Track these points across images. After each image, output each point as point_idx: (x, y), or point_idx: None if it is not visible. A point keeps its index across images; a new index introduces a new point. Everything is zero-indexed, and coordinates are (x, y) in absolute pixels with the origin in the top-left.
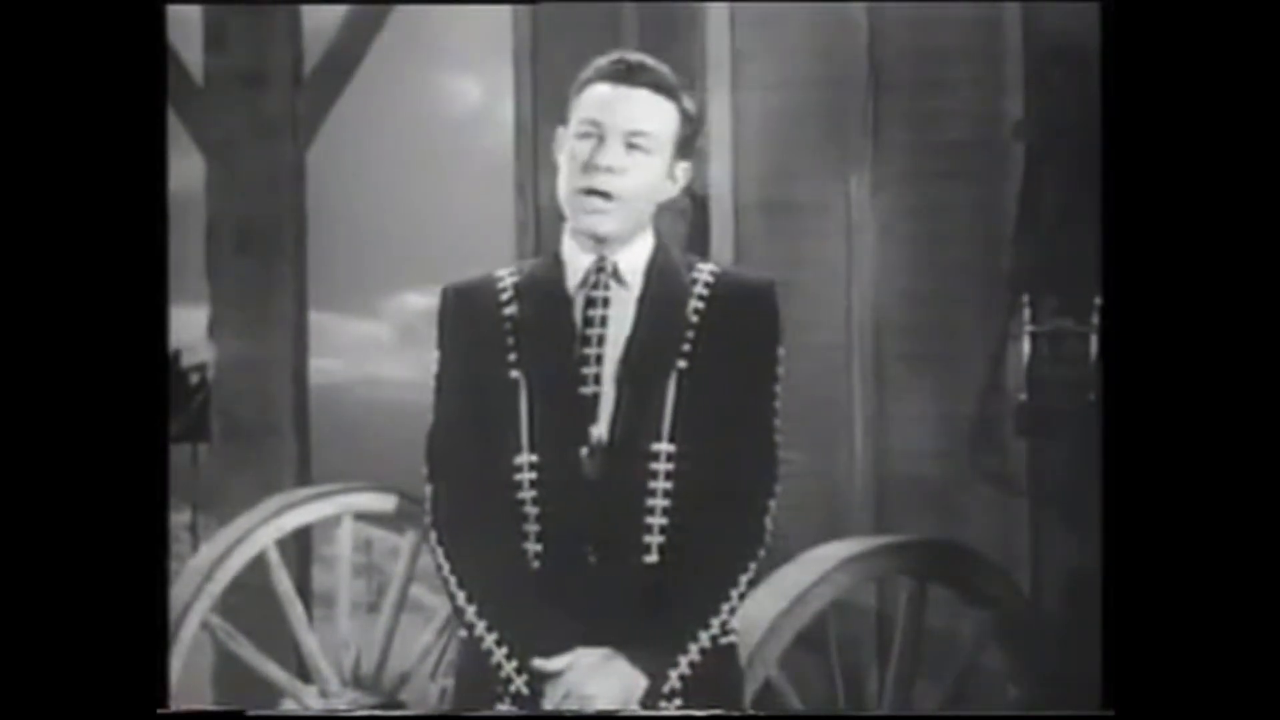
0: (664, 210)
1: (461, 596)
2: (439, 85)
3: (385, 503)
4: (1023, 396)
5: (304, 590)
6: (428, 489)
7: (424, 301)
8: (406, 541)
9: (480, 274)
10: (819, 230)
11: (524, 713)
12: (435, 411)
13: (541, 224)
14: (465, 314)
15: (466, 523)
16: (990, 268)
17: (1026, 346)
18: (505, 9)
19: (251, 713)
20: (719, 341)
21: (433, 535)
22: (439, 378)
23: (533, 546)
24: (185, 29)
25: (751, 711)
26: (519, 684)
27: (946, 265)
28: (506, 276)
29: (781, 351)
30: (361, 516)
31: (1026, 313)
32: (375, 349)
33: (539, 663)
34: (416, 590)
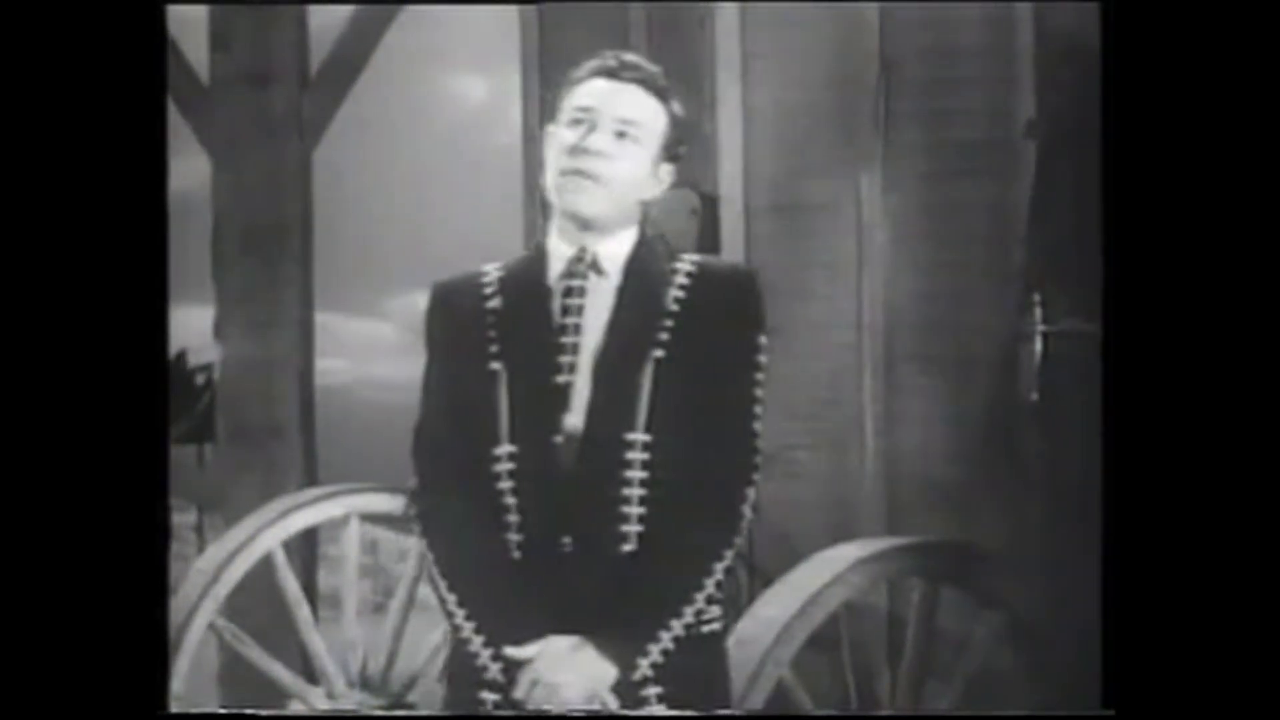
0: (676, 210)
1: (443, 586)
2: (446, 85)
3: (393, 504)
4: (1034, 396)
5: (310, 591)
6: (412, 483)
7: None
8: (414, 542)
9: (468, 271)
10: (830, 230)
11: (528, 713)
12: (421, 407)
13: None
14: (451, 310)
15: (448, 515)
16: (1002, 267)
17: (1038, 346)
18: (512, 9)
19: (250, 712)
20: (698, 330)
21: (417, 527)
22: (426, 374)
23: (514, 537)
24: (190, 29)
25: (759, 711)
26: (494, 671)
27: (958, 264)
28: (492, 272)
29: (763, 340)
30: (368, 518)
31: (1038, 312)
32: (381, 349)
33: (510, 650)
34: (424, 591)
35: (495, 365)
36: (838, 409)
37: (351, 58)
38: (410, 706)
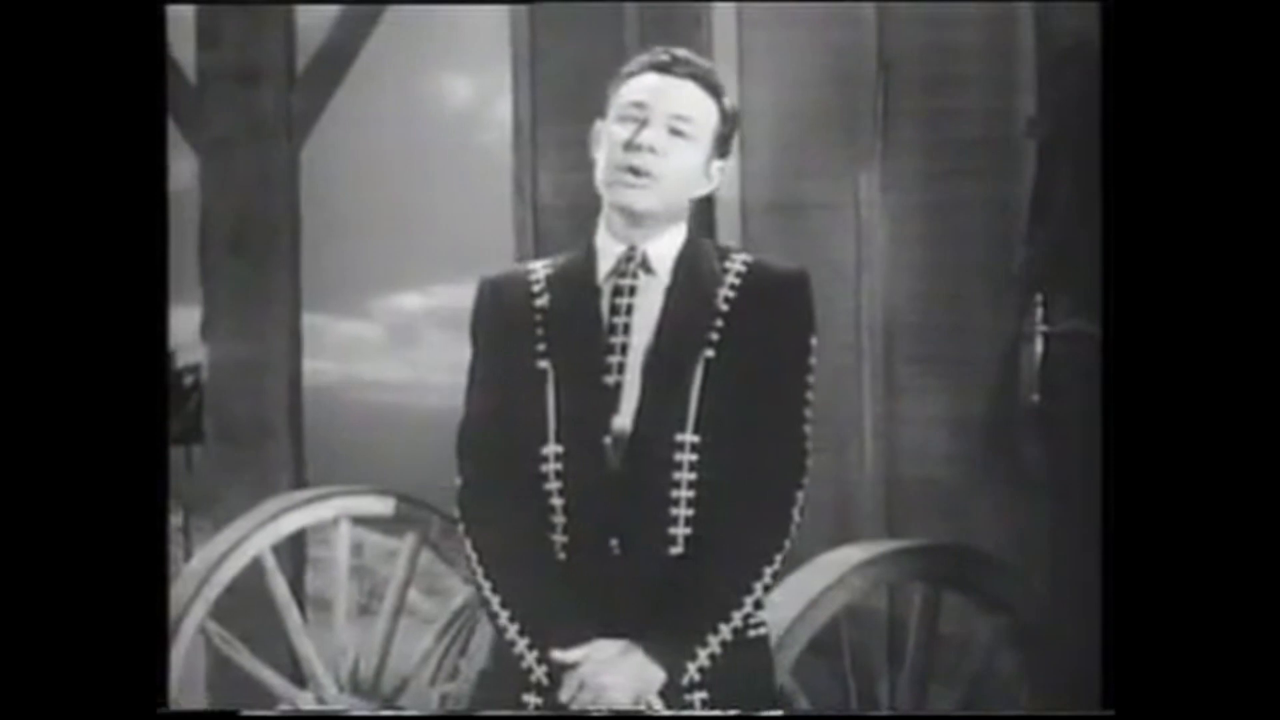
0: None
1: (487, 587)
2: (434, 84)
3: (383, 506)
4: (1035, 398)
5: (297, 594)
6: (457, 480)
7: (416, 301)
8: (405, 545)
9: (515, 267)
10: (828, 229)
11: (522, 714)
12: (466, 404)
13: (540, 224)
14: (498, 307)
15: (494, 514)
16: (1002, 267)
17: (1039, 347)
18: (503, 6)
19: (245, 713)
20: (749, 330)
21: (461, 526)
22: (471, 371)
23: (559, 538)
24: (178, 27)
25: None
26: (539, 674)
27: (958, 265)
28: (540, 268)
29: (814, 342)
30: (359, 520)
31: (1039, 313)
32: (366, 350)
33: (557, 654)
34: (414, 595)
35: (543, 364)
36: (837, 410)
37: (339, 54)
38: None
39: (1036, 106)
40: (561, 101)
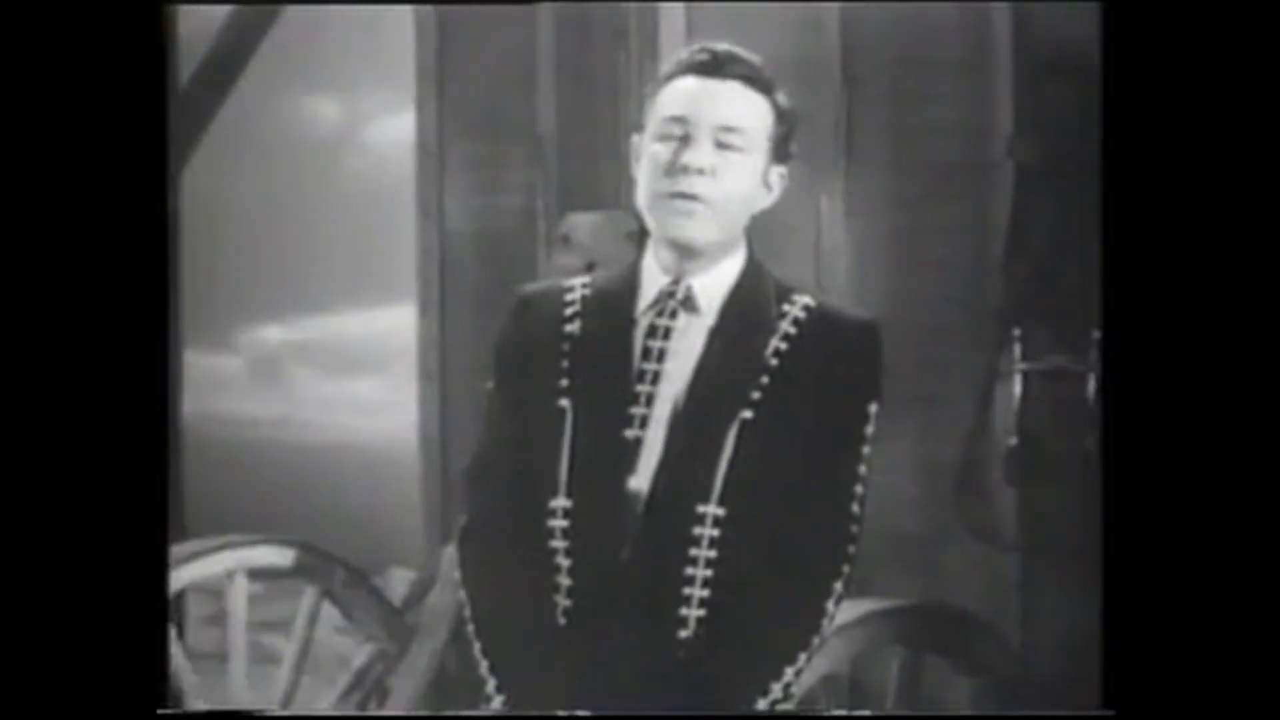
0: (609, 234)
1: (477, 647)
2: (329, 100)
3: (281, 557)
4: (1013, 441)
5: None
6: (461, 519)
7: (282, 334)
8: (306, 599)
9: (554, 281)
10: (786, 256)
11: (518, 714)
12: (484, 431)
13: (447, 249)
14: (526, 326)
15: (493, 566)
16: (978, 299)
17: (1017, 386)
18: (408, 20)
19: (248, 711)
20: (799, 390)
21: (457, 573)
22: (491, 395)
23: (562, 600)
24: None
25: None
26: None
27: (929, 296)
28: (578, 286)
29: (874, 409)
30: (257, 573)
31: (1017, 349)
32: (226, 385)
33: None
34: (314, 652)
35: (563, 402)
36: None
37: (223, 71)
38: None
39: (1015, 124)
40: (470, 119)
